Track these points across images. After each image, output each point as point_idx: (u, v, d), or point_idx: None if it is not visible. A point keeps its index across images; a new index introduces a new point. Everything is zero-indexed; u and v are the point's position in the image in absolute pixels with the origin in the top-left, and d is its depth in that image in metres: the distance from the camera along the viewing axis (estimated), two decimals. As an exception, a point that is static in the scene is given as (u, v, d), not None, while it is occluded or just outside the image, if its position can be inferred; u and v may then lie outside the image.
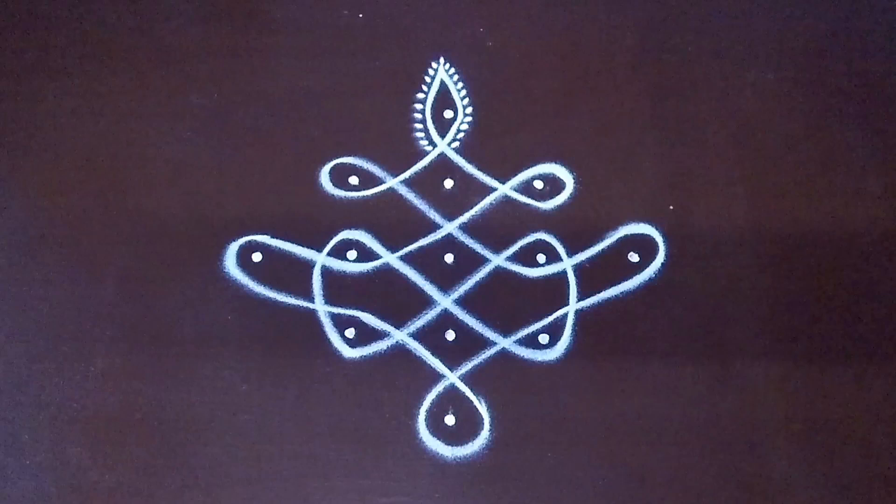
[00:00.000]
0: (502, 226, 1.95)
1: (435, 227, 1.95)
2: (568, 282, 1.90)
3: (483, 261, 1.92)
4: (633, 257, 1.91)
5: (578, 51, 2.10)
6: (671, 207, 1.95)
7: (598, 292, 1.89)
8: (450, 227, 1.94)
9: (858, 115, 2.03)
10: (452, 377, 1.83)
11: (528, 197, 1.97)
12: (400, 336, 1.86)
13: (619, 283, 1.89)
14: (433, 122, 2.02)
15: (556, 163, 1.99)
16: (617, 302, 1.88)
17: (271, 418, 1.80)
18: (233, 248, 1.92)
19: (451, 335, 1.86)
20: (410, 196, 1.97)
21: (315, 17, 2.13)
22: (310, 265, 1.91)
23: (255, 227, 1.93)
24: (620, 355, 1.84)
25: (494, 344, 1.85)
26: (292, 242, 1.92)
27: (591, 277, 1.90)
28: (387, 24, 2.12)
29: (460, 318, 1.87)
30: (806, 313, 1.87)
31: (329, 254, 1.92)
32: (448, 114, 2.03)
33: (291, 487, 1.75)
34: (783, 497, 1.75)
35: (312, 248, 1.92)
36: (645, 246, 1.92)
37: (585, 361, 1.84)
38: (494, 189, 1.97)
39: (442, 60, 2.08)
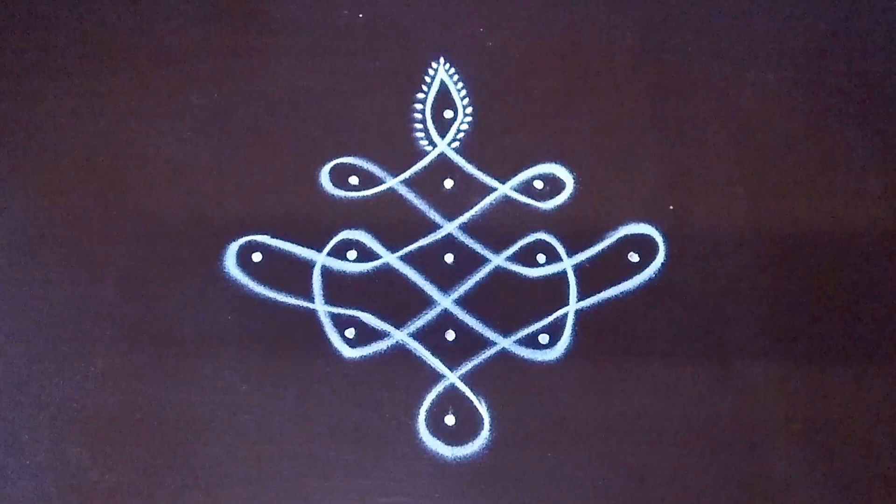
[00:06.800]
0: (502, 226, 1.95)
1: (435, 227, 1.95)
2: (568, 282, 1.90)
3: (483, 261, 1.92)
4: (633, 257, 1.91)
5: (578, 51, 2.10)
6: (671, 207, 1.95)
7: (598, 292, 1.89)
8: (450, 227, 1.94)
9: (858, 115, 2.03)
10: (452, 377, 1.83)
11: (528, 197, 1.97)
12: (400, 336, 1.86)
13: (619, 283, 1.89)
14: (433, 122, 2.02)
15: (556, 163, 1.99)
16: (617, 302, 1.88)
17: (271, 418, 1.80)
18: (233, 248, 1.92)
19: (451, 335, 1.86)
20: (410, 196, 1.97)
21: (315, 17, 2.13)
22: (310, 265, 1.91)
23: (255, 227, 1.93)
24: (620, 355, 1.84)
25: (494, 344, 1.85)
26: (292, 242, 1.92)
27: (591, 277, 1.90)
28: (387, 24, 2.12)
29: (460, 318, 1.87)
30: (806, 313, 1.87)
31: (329, 254, 1.92)
32: (448, 114, 2.03)
33: (291, 487, 1.75)
34: (783, 497, 1.75)
35: (312, 248, 1.92)
36: (645, 246, 1.92)
37: (585, 361, 1.84)
38: (494, 189, 1.97)
39: (442, 60, 2.08)
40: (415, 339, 1.86)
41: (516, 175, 1.98)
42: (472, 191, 1.97)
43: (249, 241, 1.92)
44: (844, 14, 2.13)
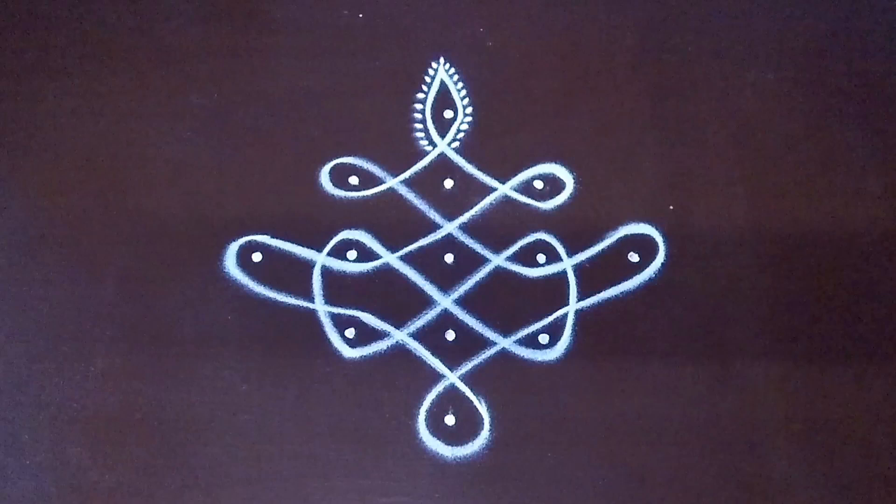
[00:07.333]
0: (502, 226, 1.95)
1: (435, 227, 1.95)
2: (568, 282, 1.90)
3: (483, 261, 1.92)
4: (633, 257, 1.91)
5: (578, 51, 2.10)
6: (671, 207, 1.95)
7: (598, 292, 1.89)
8: (450, 227, 1.94)
9: (858, 115, 2.03)
10: (452, 377, 1.83)
11: (528, 197, 1.97)
12: (400, 336, 1.86)
13: (619, 283, 1.89)
14: (433, 122, 2.02)
15: (556, 163, 1.99)
16: (617, 302, 1.88)
17: (271, 418, 1.80)
18: (233, 248, 1.92)
19: (451, 335, 1.86)
20: (410, 196, 1.97)
21: (315, 17, 2.13)
22: (310, 265, 1.91)
23: (255, 227, 1.93)
24: (620, 355, 1.84)
25: (494, 344, 1.85)
26: (292, 242, 1.92)
27: (591, 277, 1.90)
28: (387, 24, 2.12)
29: (460, 318, 1.87)
30: (806, 313, 1.87)
31: (329, 254, 1.92)
32: (448, 114, 2.03)
33: (291, 487, 1.75)
34: (783, 497, 1.75)
35: (312, 248, 1.92)
36: (645, 246, 1.92)
37: (585, 361, 1.84)
38: (494, 189, 1.97)
39: (442, 60, 2.08)
40: (415, 339, 1.86)
41: (516, 175, 1.98)
42: (472, 191, 1.97)
43: (249, 241, 1.92)
44: (844, 14, 2.13)
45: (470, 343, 1.85)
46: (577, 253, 1.92)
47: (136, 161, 1.99)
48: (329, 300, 1.88)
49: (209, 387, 1.82)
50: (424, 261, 1.92)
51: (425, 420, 1.80)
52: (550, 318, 1.87)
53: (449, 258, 1.92)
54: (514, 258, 1.92)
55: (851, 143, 2.00)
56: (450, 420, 1.80)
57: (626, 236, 1.93)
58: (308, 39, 2.11)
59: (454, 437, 1.79)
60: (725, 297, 1.88)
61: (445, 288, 1.90)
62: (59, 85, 2.06)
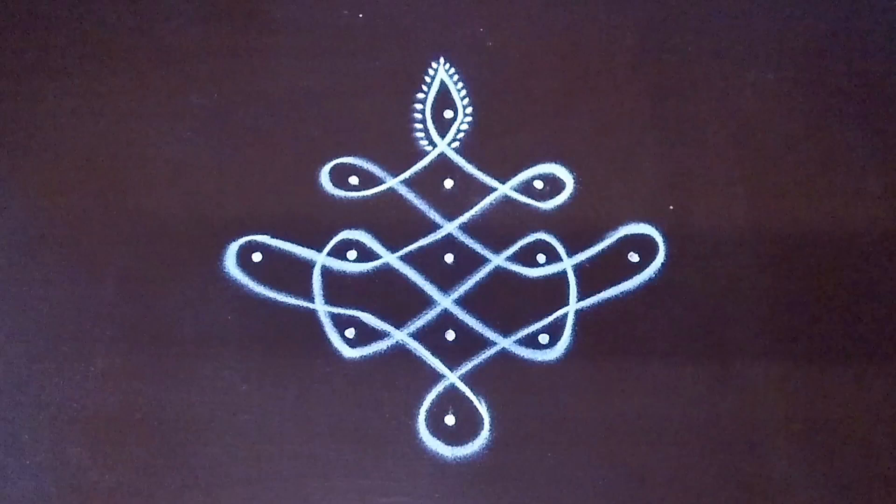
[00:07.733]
0: (502, 226, 1.95)
1: (435, 227, 1.95)
2: (568, 282, 1.90)
3: (483, 261, 1.92)
4: (633, 257, 1.91)
5: (578, 51, 2.10)
6: (671, 207, 1.95)
7: (598, 292, 1.89)
8: (450, 227, 1.95)
9: (858, 115, 2.03)
10: (452, 377, 1.83)
11: (528, 197, 1.97)
12: (400, 336, 1.86)
13: (619, 283, 1.89)
14: (433, 122, 2.02)
15: (556, 163, 1.99)
16: (617, 302, 1.88)
17: (271, 418, 1.80)
18: (233, 248, 1.92)
19: (451, 335, 1.86)
20: (410, 196, 1.97)
21: (315, 17, 2.13)
22: (310, 265, 1.91)
23: (255, 227, 1.93)
24: (620, 355, 1.84)
25: (494, 344, 1.85)
26: (292, 242, 1.92)
27: (591, 277, 1.90)
28: (387, 24, 2.12)
29: (460, 318, 1.87)
30: (806, 313, 1.87)
31: (329, 254, 1.92)
32: (448, 114, 2.03)
33: (291, 487, 1.75)
34: (783, 497, 1.75)
35: (312, 248, 1.92)
36: (645, 246, 1.92)
37: (585, 361, 1.84)
38: (494, 189, 1.97)
39: (442, 60, 2.08)
40: (415, 339, 1.86)
41: (516, 175, 1.98)
42: (472, 191, 1.97)
43: (249, 241, 1.92)
44: (844, 14, 2.13)
45: (470, 343, 1.85)
46: (577, 253, 1.92)
47: (136, 161, 2.00)
48: (329, 300, 1.88)
49: (209, 387, 1.82)
50: (424, 261, 1.92)
51: (425, 420, 1.80)
52: (550, 318, 1.87)
53: (449, 258, 1.92)
54: (514, 258, 1.92)
55: (851, 143, 2.00)
56: (450, 420, 1.80)
57: (626, 236, 1.93)
58: (308, 39, 2.11)
59: (454, 437, 1.79)
60: (725, 297, 1.88)
61: (445, 288, 1.90)
62: (59, 85, 2.06)
